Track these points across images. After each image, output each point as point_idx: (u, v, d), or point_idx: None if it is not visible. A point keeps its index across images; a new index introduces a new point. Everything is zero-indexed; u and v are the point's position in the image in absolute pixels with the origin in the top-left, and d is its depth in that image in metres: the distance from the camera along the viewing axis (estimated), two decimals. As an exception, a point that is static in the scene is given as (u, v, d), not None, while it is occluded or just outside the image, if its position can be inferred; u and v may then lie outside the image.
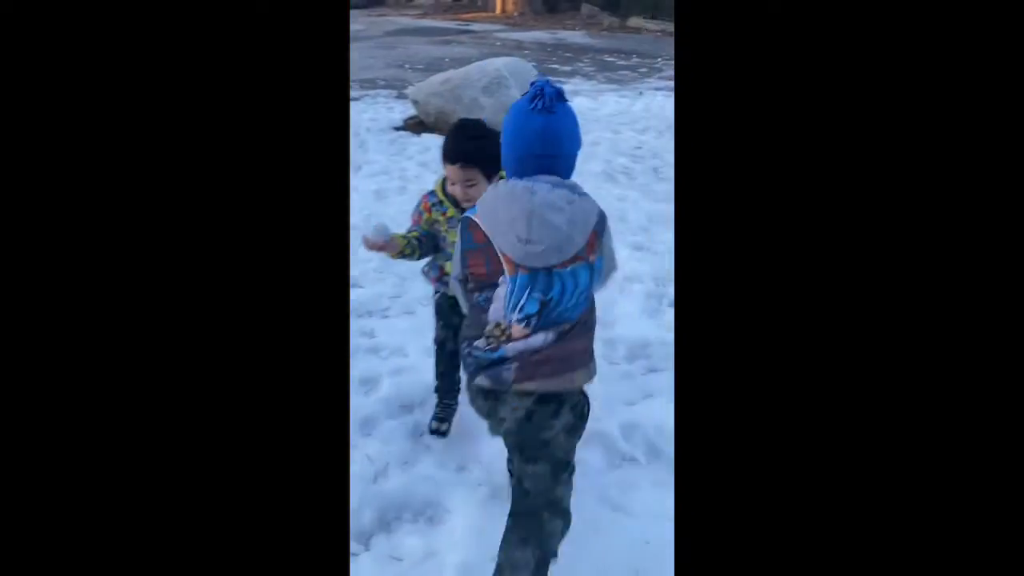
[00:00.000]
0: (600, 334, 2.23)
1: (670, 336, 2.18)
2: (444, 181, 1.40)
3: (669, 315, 2.34)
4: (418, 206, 1.47)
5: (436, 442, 1.65)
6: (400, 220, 3.30)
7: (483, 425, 1.74)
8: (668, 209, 3.34)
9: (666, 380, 1.97)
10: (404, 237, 1.43)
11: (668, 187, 3.71)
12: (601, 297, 2.44)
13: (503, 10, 13.56)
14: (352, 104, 4.73)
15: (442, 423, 1.64)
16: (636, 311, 2.31)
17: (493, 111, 4.62)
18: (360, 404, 1.77)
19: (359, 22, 10.62)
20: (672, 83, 7.04)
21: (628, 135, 4.81)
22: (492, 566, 1.30)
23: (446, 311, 1.55)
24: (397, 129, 4.70)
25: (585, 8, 13.79)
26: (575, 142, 1.06)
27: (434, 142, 4.36)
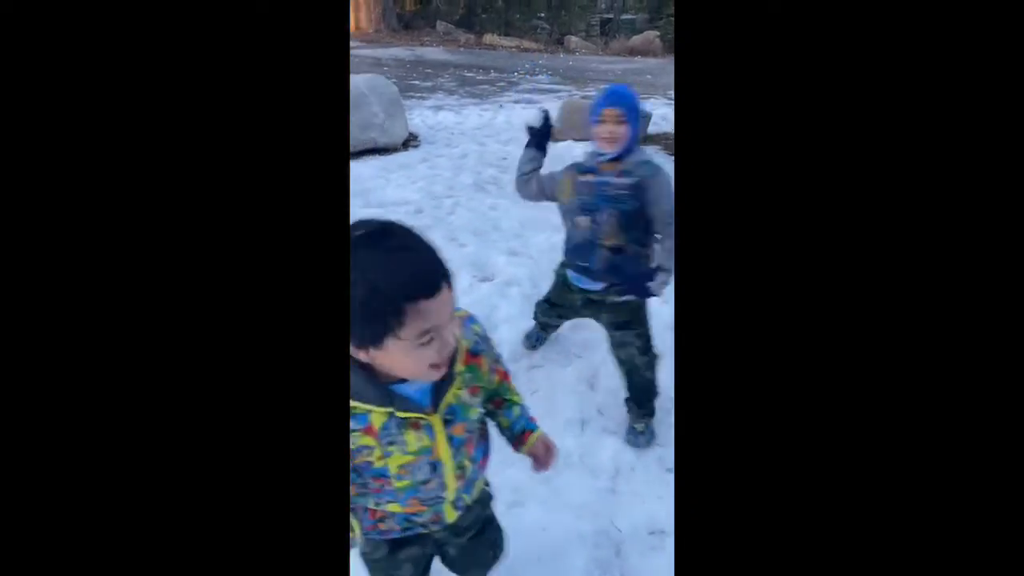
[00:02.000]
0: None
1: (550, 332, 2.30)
2: None
3: (547, 313, 2.46)
4: None
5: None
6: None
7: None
8: (537, 215, 3.52)
9: (546, 373, 2.07)
10: None
11: (535, 194, 3.90)
12: (483, 303, 2.54)
13: (357, 27, 13.30)
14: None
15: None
16: (516, 313, 2.40)
17: (359, 129, 4.52)
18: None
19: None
20: (528, 96, 7.41)
21: (493, 147, 4.98)
22: None
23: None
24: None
25: (440, 25, 14.02)
26: None
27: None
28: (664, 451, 1.68)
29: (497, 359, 0.86)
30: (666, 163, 1.70)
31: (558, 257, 1.86)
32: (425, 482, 0.78)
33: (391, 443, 0.73)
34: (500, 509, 1.49)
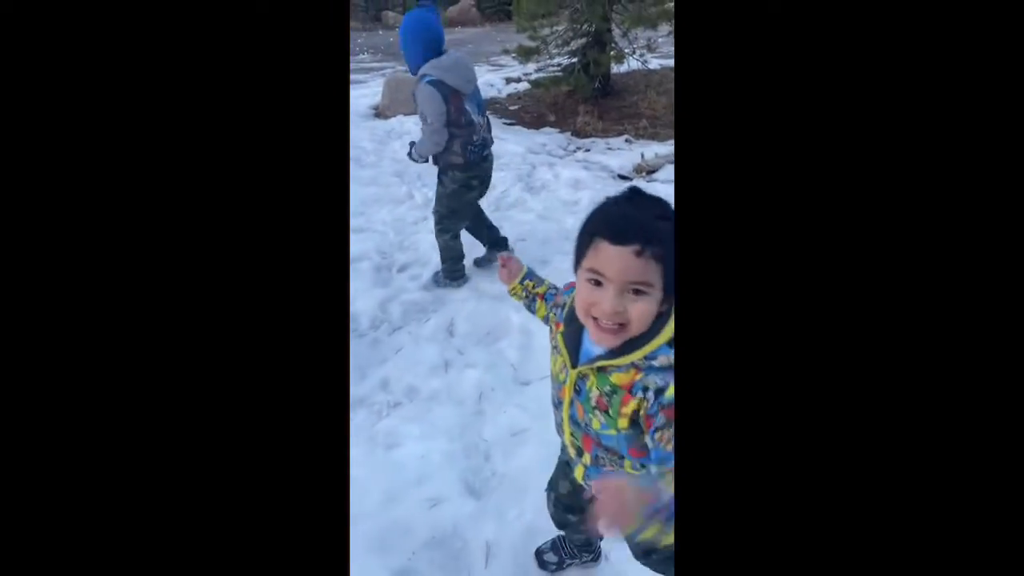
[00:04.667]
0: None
1: (405, 296, 2.43)
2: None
3: (400, 279, 2.58)
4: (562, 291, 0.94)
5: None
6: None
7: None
8: (376, 192, 3.57)
9: (407, 332, 2.21)
10: (529, 282, 1.04)
11: (372, 172, 3.93)
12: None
13: None
14: None
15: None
16: (368, 285, 2.49)
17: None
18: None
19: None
20: (351, 76, 7.18)
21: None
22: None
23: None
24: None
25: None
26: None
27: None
28: (519, 372, 1.93)
29: (661, 428, 0.70)
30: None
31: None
32: (555, 404, 0.87)
33: (555, 347, 0.85)
34: (378, 453, 1.63)
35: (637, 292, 0.68)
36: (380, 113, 5.50)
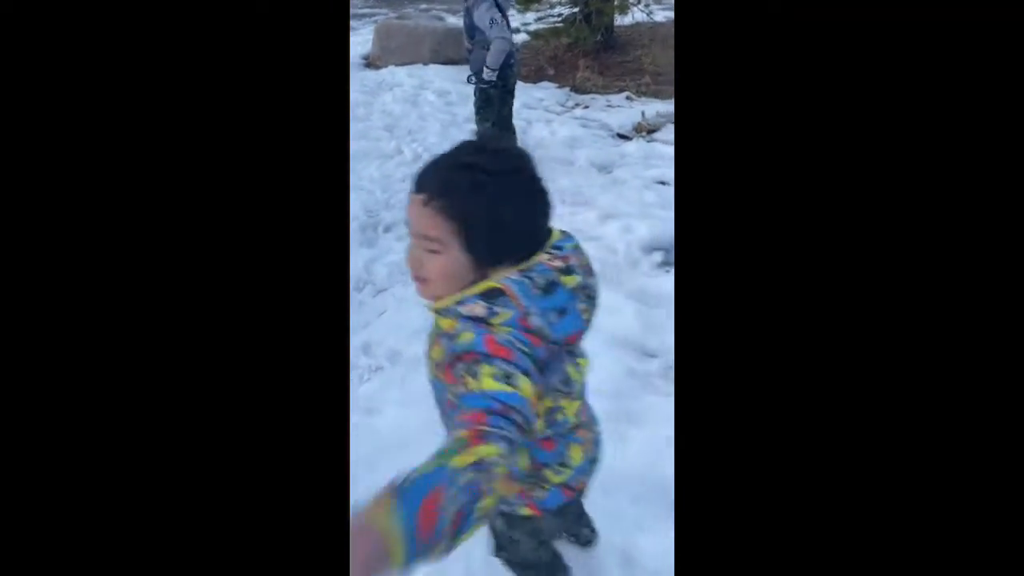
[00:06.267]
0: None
1: (390, 257, 2.34)
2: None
3: (386, 239, 2.49)
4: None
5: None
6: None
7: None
8: (364, 146, 3.43)
9: (392, 293, 2.14)
10: None
11: (361, 126, 3.77)
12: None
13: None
14: None
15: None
16: (353, 245, 2.40)
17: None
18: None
19: None
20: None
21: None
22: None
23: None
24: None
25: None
26: None
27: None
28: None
29: (460, 376, 0.61)
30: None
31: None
32: None
33: None
34: (357, 418, 1.58)
35: (430, 250, 0.62)
36: (371, 63, 5.26)
